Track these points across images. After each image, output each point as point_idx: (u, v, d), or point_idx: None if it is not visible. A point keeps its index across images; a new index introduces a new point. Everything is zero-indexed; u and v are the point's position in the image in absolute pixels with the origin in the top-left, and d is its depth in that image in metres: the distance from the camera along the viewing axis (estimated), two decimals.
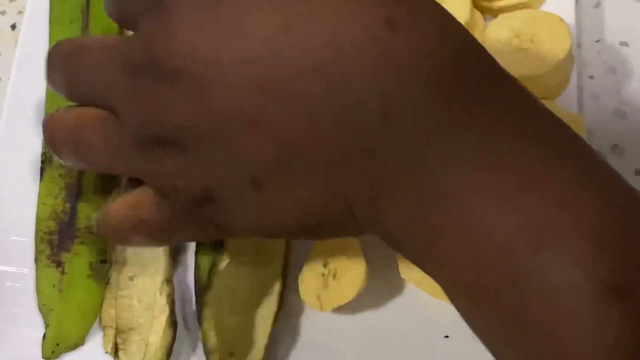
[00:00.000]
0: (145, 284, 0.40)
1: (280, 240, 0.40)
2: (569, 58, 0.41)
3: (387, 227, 0.29)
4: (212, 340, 0.38)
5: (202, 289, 0.40)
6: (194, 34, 0.29)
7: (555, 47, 0.41)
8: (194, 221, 0.32)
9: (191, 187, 0.31)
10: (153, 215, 0.33)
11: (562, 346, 0.25)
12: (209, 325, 0.39)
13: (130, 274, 0.40)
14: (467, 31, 0.29)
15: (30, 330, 0.41)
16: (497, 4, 0.44)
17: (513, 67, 0.41)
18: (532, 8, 0.43)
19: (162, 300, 0.39)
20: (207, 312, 0.39)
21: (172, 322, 0.39)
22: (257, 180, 0.30)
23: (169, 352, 0.39)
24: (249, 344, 0.39)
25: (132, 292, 0.40)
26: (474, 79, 0.28)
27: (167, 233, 0.33)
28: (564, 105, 0.41)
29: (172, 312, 0.39)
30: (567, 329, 0.25)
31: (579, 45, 0.46)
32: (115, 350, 0.40)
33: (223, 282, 0.39)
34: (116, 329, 0.40)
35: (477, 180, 0.27)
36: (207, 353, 0.39)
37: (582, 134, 0.40)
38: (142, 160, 0.31)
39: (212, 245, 0.40)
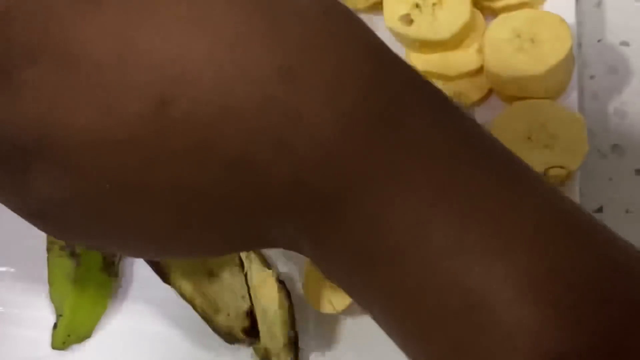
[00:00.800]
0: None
1: None
2: (570, 58, 0.41)
3: (310, 257, 0.28)
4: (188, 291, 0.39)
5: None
6: (58, 112, 0.24)
7: (556, 47, 0.41)
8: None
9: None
10: None
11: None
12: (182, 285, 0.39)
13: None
14: (377, 55, 0.26)
15: (29, 330, 0.41)
16: (497, 4, 0.43)
17: (513, 67, 0.41)
18: (533, 8, 0.43)
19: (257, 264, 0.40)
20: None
21: (281, 282, 0.39)
22: (154, 243, 0.27)
23: (290, 309, 0.39)
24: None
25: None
26: (384, 124, 0.25)
27: None
28: (564, 105, 0.41)
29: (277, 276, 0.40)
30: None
31: (579, 45, 0.46)
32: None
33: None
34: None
35: (401, 244, 0.25)
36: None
37: (582, 134, 0.40)
38: None
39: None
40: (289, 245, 0.27)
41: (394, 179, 0.25)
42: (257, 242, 0.27)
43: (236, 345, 0.40)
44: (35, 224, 0.28)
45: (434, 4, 0.42)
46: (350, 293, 0.28)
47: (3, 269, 0.43)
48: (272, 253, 0.41)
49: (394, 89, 0.25)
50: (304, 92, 0.24)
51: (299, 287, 0.40)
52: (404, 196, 0.25)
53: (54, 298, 0.41)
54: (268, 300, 0.39)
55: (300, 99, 0.24)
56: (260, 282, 0.39)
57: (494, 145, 0.27)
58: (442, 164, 0.25)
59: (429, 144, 0.25)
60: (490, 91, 0.43)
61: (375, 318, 0.27)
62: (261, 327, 0.39)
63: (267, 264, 0.40)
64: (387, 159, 0.25)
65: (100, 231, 0.27)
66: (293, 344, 0.39)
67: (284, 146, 0.24)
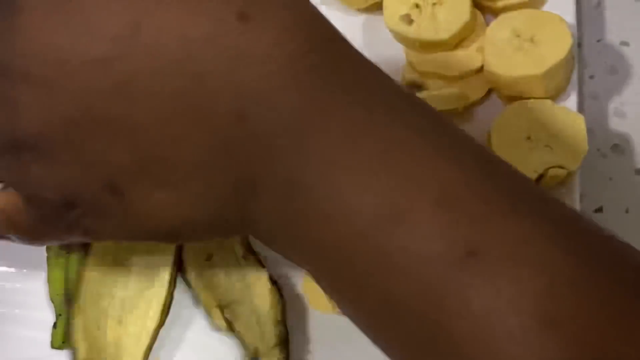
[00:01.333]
0: (225, 259, 0.40)
1: (168, 247, 0.39)
2: (570, 58, 0.41)
3: (260, 226, 0.29)
4: (82, 351, 0.38)
5: (69, 297, 0.39)
6: (43, 33, 0.27)
7: (556, 47, 0.41)
8: (60, 226, 0.31)
9: (52, 195, 0.29)
10: (21, 218, 0.32)
11: (429, 319, 0.25)
12: (79, 335, 0.38)
13: (206, 255, 0.40)
14: (323, 19, 0.29)
15: (30, 331, 0.41)
16: (497, 4, 0.43)
17: (513, 67, 0.41)
18: (533, 8, 0.43)
19: (252, 264, 0.39)
20: (76, 322, 0.38)
21: (273, 282, 0.39)
22: (115, 186, 0.28)
23: (282, 309, 0.39)
24: (131, 357, 0.38)
25: (217, 269, 0.40)
26: (326, 67, 0.27)
27: (37, 235, 0.33)
28: (564, 105, 0.41)
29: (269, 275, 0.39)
30: (433, 303, 0.25)
31: (579, 45, 0.46)
32: (230, 326, 0.39)
33: (93, 290, 0.39)
34: (219, 306, 0.40)
35: (332, 167, 0.27)
36: None
37: (582, 134, 0.40)
38: (1, 167, 0.30)
39: (78, 249, 0.39)
40: (235, 208, 0.29)
41: (326, 117, 0.27)
42: (211, 209, 0.29)
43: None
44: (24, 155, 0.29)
45: (434, 4, 0.42)
46: (287, 252, 0.30)
47: (3, 269, 0.43)
48: (272, 253, 0.41)
49: (334, 49, 0.28)
50: (256, 33, 0.27)
51: (298, 287, 0.40)
52: (327, 134, 0.27)
53: (54, 298, 0.41)
54: (260, 299, 0.39)
55: (252, 38, 0.26)
56: (254, 280, 0.39)
57: (425, 105, 0.29)
58: (365, 107, 0.27)
59: (358, 91, 0.28)
60: (490, 91, 0.43)
61: (322, 285, 0.29)
62: (252, 327, 0.39)
63: (261, 263, 0.40)
64: (322, 99, 0.27)
65: (70, 166, 0.28)
66: (284, 344, 0.39)
67: (230, 79, 0.26)
